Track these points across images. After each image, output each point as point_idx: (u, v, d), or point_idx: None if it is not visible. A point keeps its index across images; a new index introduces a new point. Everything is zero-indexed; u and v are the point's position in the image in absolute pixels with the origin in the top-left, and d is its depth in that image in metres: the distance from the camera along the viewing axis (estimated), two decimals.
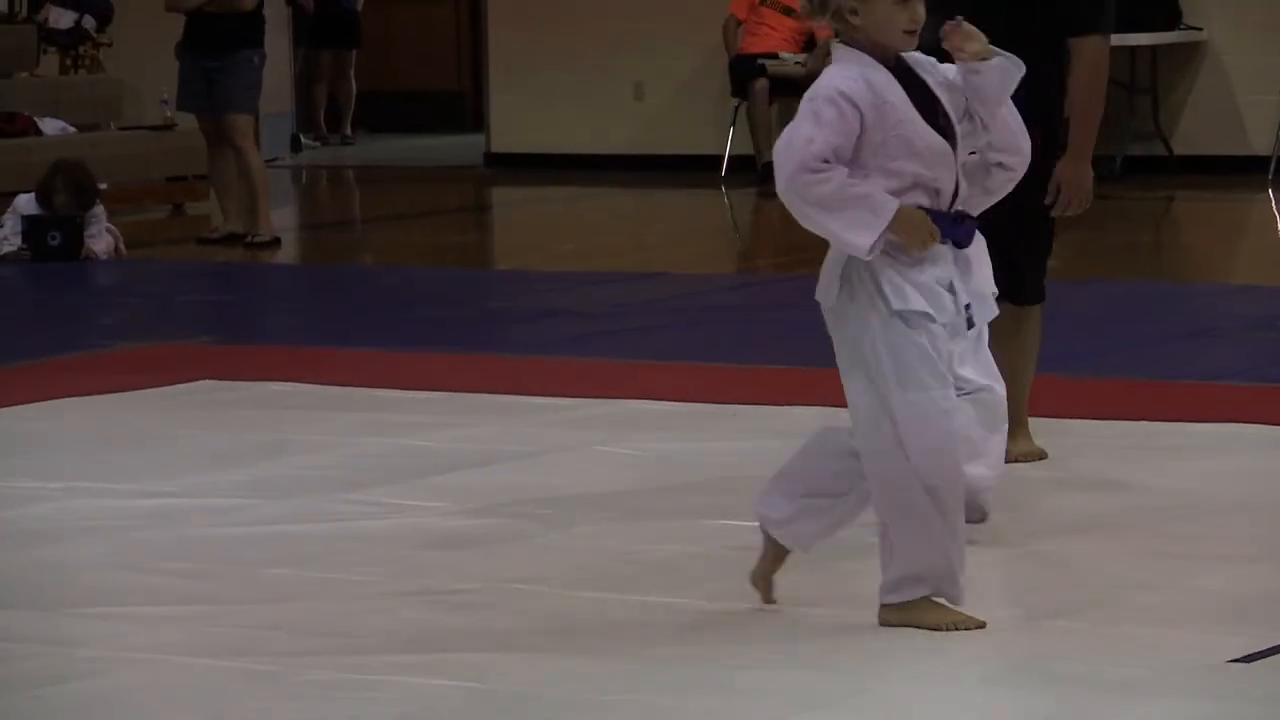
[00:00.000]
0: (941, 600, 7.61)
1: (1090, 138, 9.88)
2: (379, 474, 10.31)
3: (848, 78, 7.56)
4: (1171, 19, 21.70)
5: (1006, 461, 9.52)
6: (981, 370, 8.64)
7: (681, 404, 11.67)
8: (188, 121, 19.73)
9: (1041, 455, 10.12)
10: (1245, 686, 7.22)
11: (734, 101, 22.36)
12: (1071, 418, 11.11)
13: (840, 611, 7.98)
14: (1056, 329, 13.89)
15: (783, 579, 7.94)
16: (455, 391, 12.17)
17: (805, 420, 10.35)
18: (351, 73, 27.01)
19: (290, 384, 12.54)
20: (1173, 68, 21.93)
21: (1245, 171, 20.49)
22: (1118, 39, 21.48)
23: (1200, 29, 21.75)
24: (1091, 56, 9.87)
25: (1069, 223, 19.40)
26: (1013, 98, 9.07)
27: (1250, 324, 13.37)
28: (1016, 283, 9.90)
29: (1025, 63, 8.99)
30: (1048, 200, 9.79)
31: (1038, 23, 9.67)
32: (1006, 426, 9.04)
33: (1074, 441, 10.66)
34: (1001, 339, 9.76)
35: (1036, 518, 9.36)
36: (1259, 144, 20.79)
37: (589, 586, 8.53)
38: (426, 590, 8.45)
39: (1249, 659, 7.37)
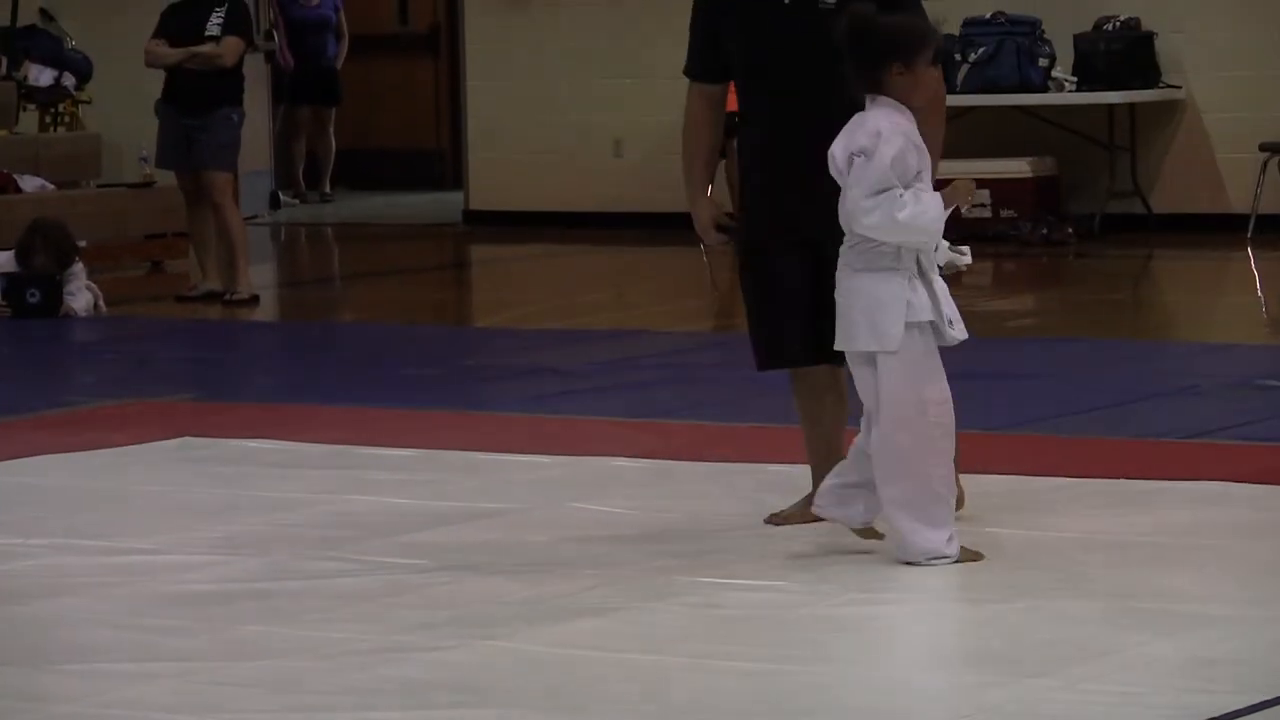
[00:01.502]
0: None
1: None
2: (356, 531, 10.33)
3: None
4: (1150, 78, 21.76)
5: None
6: None
7: (660, 461, 11.68)
8: (167, 179, 19.79)
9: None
10: None
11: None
12: (1048, 475, 11.14)
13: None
14: (1035, 387, 14.01)
15: None
16: (432, 449, 12.18)
17: (781, 477, 10.40)
18: (331, 130, 27.05)
19: (268, 441, 12.56)
20: (1151, 126, 21.97)
21: (1224, 230, 20.53)
22: (1097, 97, 21.64)
23: (1179, 87, 21.80)
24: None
25: (1050, 280, 19.50)
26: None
27: (1230, 383, 13.40)
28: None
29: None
30: None
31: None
32: None
33: (1049, 498, 10.71)
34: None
35: (1008, 574, 9.39)
36: (1238, 202, 20.82)
37: (566, 643, 8.58)
38: (403, 647, 8.48)
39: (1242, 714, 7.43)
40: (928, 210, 9.23)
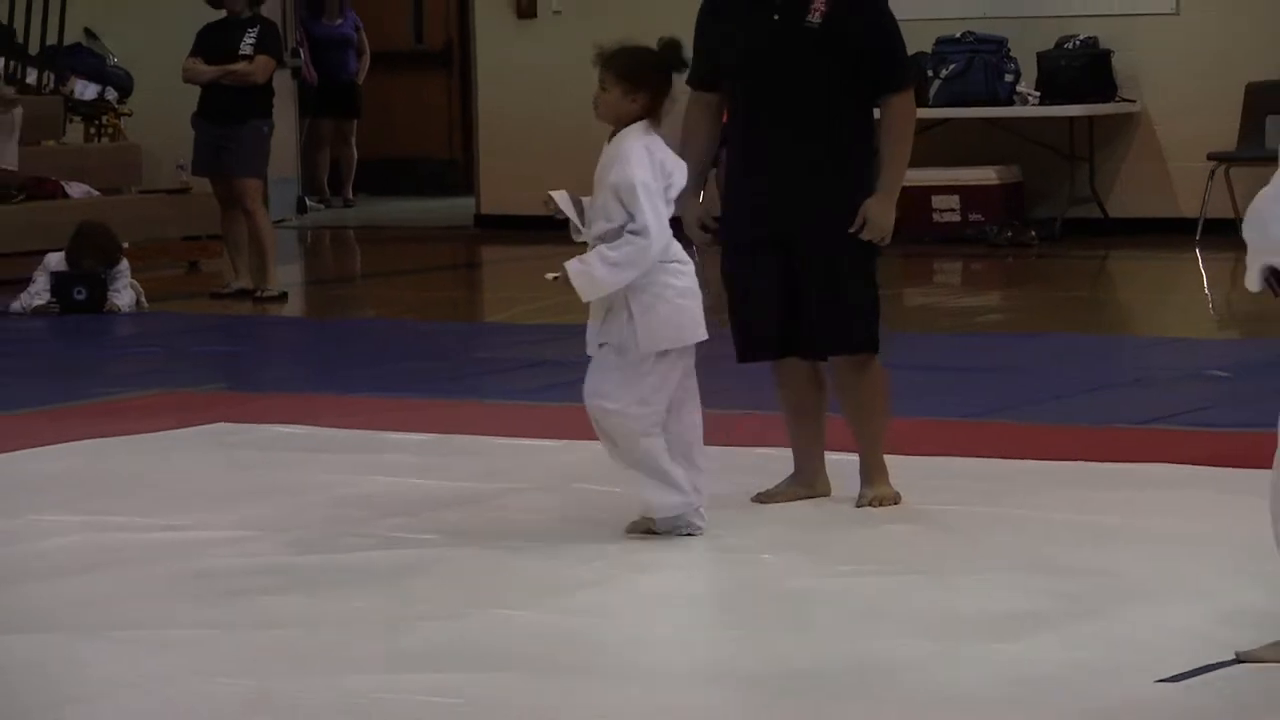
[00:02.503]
0: None
1: (899, 180, 9.91)
2: (375, 510, 10.33)
3: None
4: (1107, 92, 21.77)
5: (859, 505, 9.98)
6: None
7: None
8: (202, 185, 19.75)
9: (893, 498, 10.07)
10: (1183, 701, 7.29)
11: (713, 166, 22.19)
12: (1014, 459, 11.15)
13: None
14: (1001, 377, 14.00)
15: None
16: (446, 434, 12.19)
17: (767, 460, 10.41)
18: (353, 140, 27.00)
19: (294, 427, 12.57)
20: (1108, 137, 21.98)
21: (1175, 233, 20.52)
22: (1059, 110, 21.66)
23: (1134, 101, 21.81)
24: (899, 111, 9.97)
25: (1015, 279, 19.49)
26: (819, 157, 9.88)
27: (1181, 374, 13.39)
28: (849, 330, 9.97)
29: (838, 124, 9.87)
30: (852, 230, 9.76)
31: (847, 83, 9.87)
32: None
33: (1015, 480, 10.69)
34: (845, 391, 9.99)
35: (976, 548, 9.42)
36: (1187, 207, 20.83)
37: (571, 611, 8.61)
38: (420, 616, 8.51)
39: (1178, 678, 7.44)
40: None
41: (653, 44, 9.81)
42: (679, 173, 9.55)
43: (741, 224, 10.09)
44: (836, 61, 9.83)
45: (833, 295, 9.90)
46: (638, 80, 9.65)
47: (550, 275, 9.64)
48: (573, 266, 9.58)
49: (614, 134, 9.71)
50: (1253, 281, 7.34)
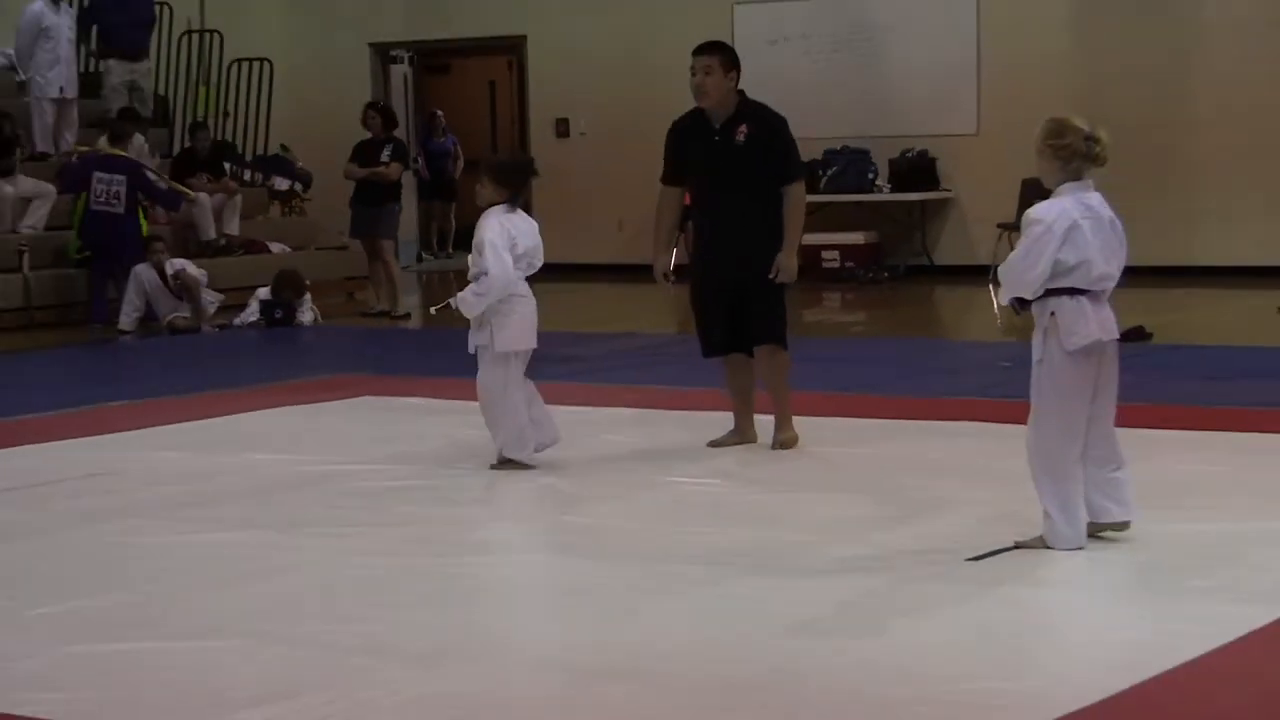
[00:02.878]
0: None
1: (796, 240, 9.96)
2: (463, 452, 10.29)
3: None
4: (932, 184, 21.74)
5: (773, 447, 10.02)
6: None
7: (643, 410, 11.71)
8: (355, 245, 19.76)
9: (796, 439, 10.09)
10: (976, 574, 7.35)
11: (679, 232, 22.20)
12: (870, 418, 11.17)
13: None
14: (864, 366, 13.97)
15: None
16: None
17: (717, 418, 10.42)
18: (452, 215, 26.94)
19: (414, 398, 12.59)
20: (933, 213, 21.92)
21: (976, 275, 20.46)
22: (902, 196, 21.60)
23: (950, 190, 21.76)
24: (796, 195, 10.01)
25: (874, 305, 19.46)
26: (750, 226, 9.90)
27: (979, 364, 13.33)
28: (768, 330, 10.04)
29: (760, 204, 9.90)
30: (770, 275, 9.88)
31: (763, 178, 9.93)
32: None
33: (870, 433, 10.70)
34: (764, 370, 10.04)
35: (836, 477, 9.45)
36: (984, 256, 20.70)
37: (590, 515, 8.65)
38: (496, 518, 8.55)
39: (979, 558, 7.48)
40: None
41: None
42: (524, 238, 9.75)
43: (704, 270, 10.19)
44: (755, 165, 9.91)
45: (762, 311, 10.01)
46: (503, 180, 9.83)
47: (435, 308, 9.97)
48: (459, 296, 9.85)
49: (484, 213, 9.76)
50: (1004, 299, 7.62)
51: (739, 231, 9.96)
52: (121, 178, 18.18)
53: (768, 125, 10.00)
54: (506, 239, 9.66)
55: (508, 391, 9.73)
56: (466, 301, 9.75)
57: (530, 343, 9.85)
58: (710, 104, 9.96)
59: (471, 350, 9.87)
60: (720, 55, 9.98)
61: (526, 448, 9.75)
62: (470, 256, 9.86)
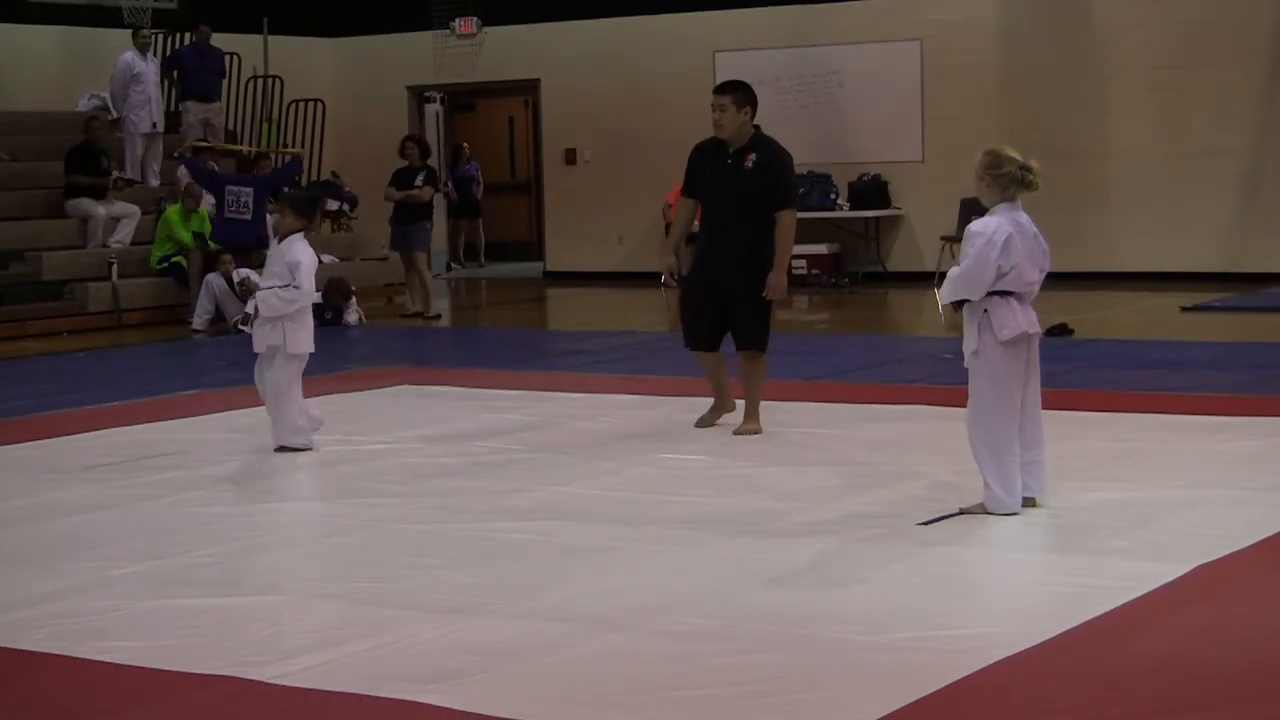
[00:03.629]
0: None
1: (785, 260, 9.82)
2: (489, 431, 10.28)
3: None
4: (885, 203, 21.70)
5: (736, 433, 9.91)
6: None
7: (645, 396, 11.64)
8: (394, 256, 19.70)
9: (759, 431, 9.91)
10: (926, 535, 7.29)
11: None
12: (836, 403, 11.12)
13: None
14: (829, 357, 13.94)
15: None
16: (527, 390, 12.15)
17: (703, 403, 10.34)
18: (480, 230, 26.96)
19: (446, 386, 12.52)
20: (887, 228, 21.90)
21: (922, 280, 20.47)
22: (859, 213, 21.60)
23: (900, 208, 21.75)
24: (789, 220, 9.86)
25: (836, 306, 19.42)
26: (746, 241, 9.75)
27: (926, 356, 13.36)
28: (752, 339, 9.95)
29: (757, 223, 9.74)
30: (763, 294, 9.78)
31: (763, 202, 9.80)
32: None
33: (835, 416, 10.61)
34: (746, 370, 9.96)
35: (809, 453, 9.38)
36: (930, 263, 20.75)
37: (599, 487, 8.57)
38: (515, 489, 8.48)
39: (929, 522, 7.44)
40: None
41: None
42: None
43: (700, 273, 10.06)
44: (758, 189, 9.79)
45: (748, 319, 9.90)
46: (300, 211, 9.96)
47: (241, 319, 9.92)
48: (261, 298, 9.85)
49: (283, 238, 9.91)
50: (945, 299, 7.61)
51: (734, 244, 9.84)
52: (249, 190, 18.52)
53: (773, 157, 9.90)
54: (314, 263, 9.84)
55: (292, 387, 9.76)
56: (271, 304, 9.76)
57: (311, 347, 9.93)
58: (725, 136, 9.86)
59: (259, 350, 9.84)
60: (733, 94, 9.87)
61: (303, 435, 9.75)
62: (275, 270, 9.83)
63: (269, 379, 9.78)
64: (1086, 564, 6.70)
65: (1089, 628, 5.77)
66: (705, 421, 10.17)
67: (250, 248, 18.35)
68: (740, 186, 9.83)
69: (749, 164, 9.83)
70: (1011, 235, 7.39)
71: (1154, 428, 9.89)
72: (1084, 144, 20.50)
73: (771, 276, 9.79)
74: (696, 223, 10.30)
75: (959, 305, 7.56)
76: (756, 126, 9.94)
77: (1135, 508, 7.68)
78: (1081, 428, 9.65)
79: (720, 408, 10.21)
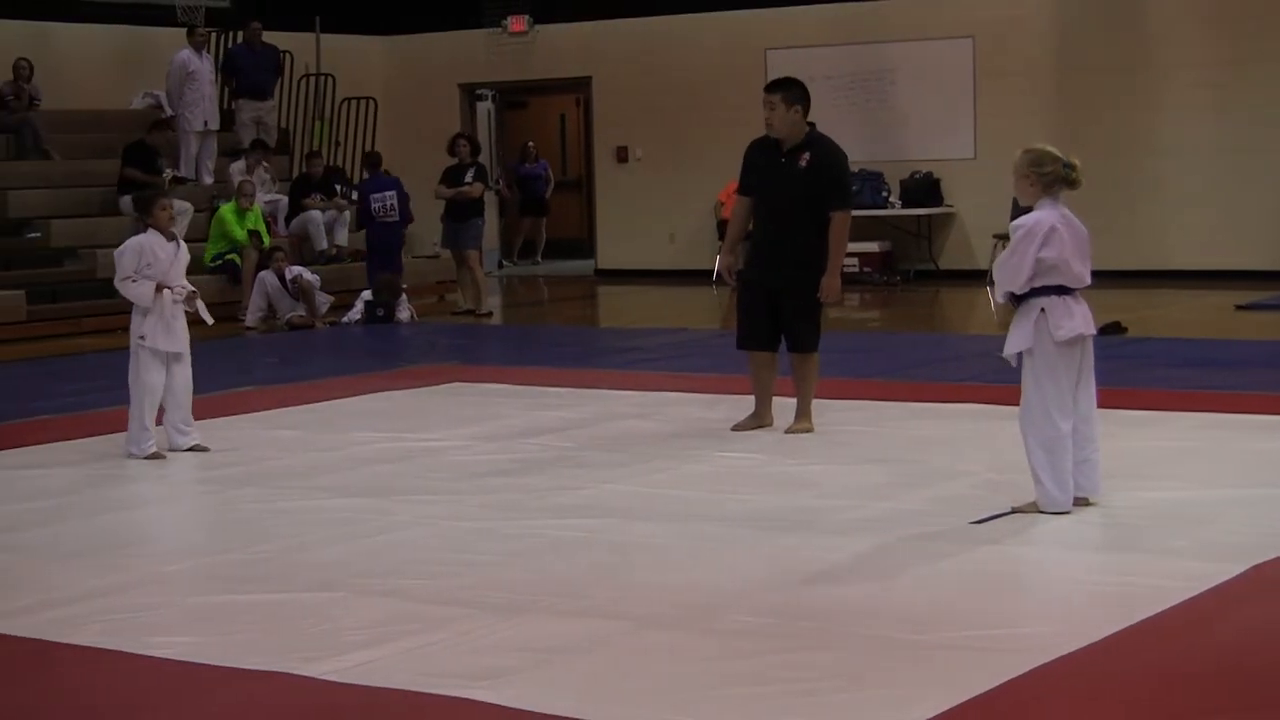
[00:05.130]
0: None
1: (839, 263, 9.78)
2: (540, 428, 10.29)
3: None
4: (937, 201, 21.63)
5: (787, 432, 9.84)
6: None
7: (695, 394, 11.62)
8: (445, 253, 19.70)
9: (811, 430, 9.84)
10: (978, 534, 7.26)
11: (719, 244, 22.35)
12: (888, 401, 11.08)
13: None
14: (880, 355, 13.90)
15: None
16: (578, 387, 12.15)
17: (747, 402, 10.33)
18: (543, 228, 27.02)
19: (496, 384, 12.51)
20: (939, 226, 21.83)
21: (975, 278, 20.42)
22: (912, 211, 21.55)
23: (952, 206, 21.68)
24: (842, 221, 9.78)
25: (887, 304, 19.36)
26: (799, 241, 9.69)
27: (979, 354, 13.28)
28: (803, 340, 9.89)
29: (810, 223, 9.69)
30: (818, 295, 9.76)
31: (816, 202, 9.73)
32: None
33: (888, 413, 10.58)
34: (797, 371, 9.92)
35: (853, 450, 9.35)
36: (982, 262, 20.70)
37: (648, 485, 8.56)
38: (564, 486, 8.48)
39: (982, 520, 7.41)
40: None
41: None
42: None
43: (754, 274, 9.99)
44: (812, 189, 9.71)
45: (800, 321, 9.84)
46: (142, 211, 9.98)
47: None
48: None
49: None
50: (1000, 298, 7.60)
51: (787, 244, 9.77)
52: (392, 193, 18.99)
53: (827, 157, 9.82)
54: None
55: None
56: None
57: (186, 346, 9.93)
58: (776, 134, 9.79)
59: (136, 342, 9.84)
60: (783, 92, 9.81)
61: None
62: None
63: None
64: (1140, 563, 6.66)
65: (1144, 627, 5.72)
66: (742, 427, 10.08)
67: (397, 248, 19.09)
68: (793, 186, 9.76)
69: (803, 163, 9.77)
70: (1055, 227, 7.40)
71: (1208, 426, 9.82)
72: (1137, 141, 20.42)
73: (825, 279, 9.74)
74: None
75: (1015, 303, 7.53)
76: (811, 124, 9.88)
77: (1190, 507, 7.63)
78: (1135, 426, 9.61)
79: (759, 416, 10.09)
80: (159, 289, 9.66)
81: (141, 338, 9.67)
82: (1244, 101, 20.01)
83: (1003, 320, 7.67)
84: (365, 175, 19.68)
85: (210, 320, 10.27)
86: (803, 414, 9.94)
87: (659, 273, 23.01)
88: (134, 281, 9.67)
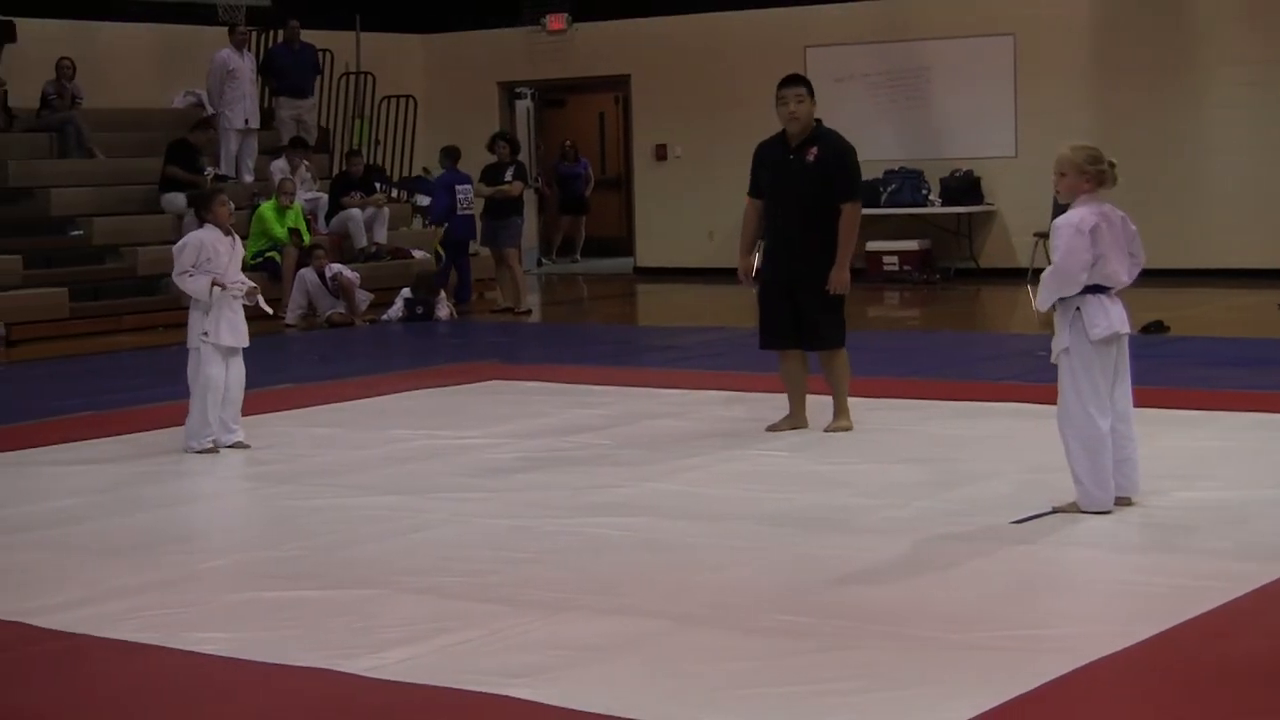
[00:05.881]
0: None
1: (848, 255, 9.69)
2: (579, 427, 10.30)
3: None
4: (978, 199, 21.60)
5: (826, 431, 9.81)
6: None
7: (730, 392, 11.61)
8: (485, 252, 19.73)
9: (850, 428, 9.82)
10: (1017, 533, 7.23)
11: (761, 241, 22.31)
12: (925, 399, 11.06)
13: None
14: (922, 354, 13.87)
15: None
16: (617, 385, 12.15)
17: (782, 401, 10.33)
18: (583, 226, 27.06)
19: (535, 383, 12.53)
20: (979, 224, 21.80)
21: (1015, 276, 20.39)
22: (952, 209, 21.52)
23: (992, 204, 21.64)
24: (850, 213, 9.73)
25: (927, 302, 19.32)
26: (811, 237, 9.63)
27: (1019, 353, 13.26)
28: (825, 336, 9.84)
29: (821, 218, 9.62)
30: (825, 288, 9.69)
31: (826, 196, 9.70)
32: None
33: (927, 412, 10.57)
34: (826, 368, 9.87)
35: (892, 450, 9.33)
36: (1023, 260, 20.68)
37: (684, 482, 8.55)
38: (603, 485, 8.49)
39: (1022, 520, 7.39)
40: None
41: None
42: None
43: (770, 273, 9.97)
44: (821, 184, 9.71)
45: (822, 318, 9.80)
46: (200, 207, 10.20)
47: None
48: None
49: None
50: (1044, 304, 7.51)
51: (800, 241, 9.76)
52: (469, 186, 19.25)
53: (835, 149, 9.82)
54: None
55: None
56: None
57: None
58: (799, 128, 9.78)
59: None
60: (807, 85, 9.85)
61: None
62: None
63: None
64: (1182, 563, 6.63)
65: (1186, 628, 5.69)
66: (777, 427, 10.03)
67: (471, 239, 19.46)
68: (803, 181, 9.73)
69: (811, 157, 9.75)
70: (1098, 224, 7.38)
71: (1250, 426, 9.78)
72: (1179, 139, 20.35)
73: (833, 272, 9.71)
74: None
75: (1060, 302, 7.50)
76: (818, 120, 9.88)
77: (1231, 507, 7.60)
78: (1177, 426, 9.57)
79: (794, 417, 10.05)
80: (214, 284, 9.75)
81: (205, 334, 9.75)
82: None
83: (1044, 320, 7.62)
84: (445, 168, 19.74)
85: (270, 310, 10.40)
86: (840, 412, 9.93)
87: (698, 271, 23.01)
88: (191, 276, 9.74)
